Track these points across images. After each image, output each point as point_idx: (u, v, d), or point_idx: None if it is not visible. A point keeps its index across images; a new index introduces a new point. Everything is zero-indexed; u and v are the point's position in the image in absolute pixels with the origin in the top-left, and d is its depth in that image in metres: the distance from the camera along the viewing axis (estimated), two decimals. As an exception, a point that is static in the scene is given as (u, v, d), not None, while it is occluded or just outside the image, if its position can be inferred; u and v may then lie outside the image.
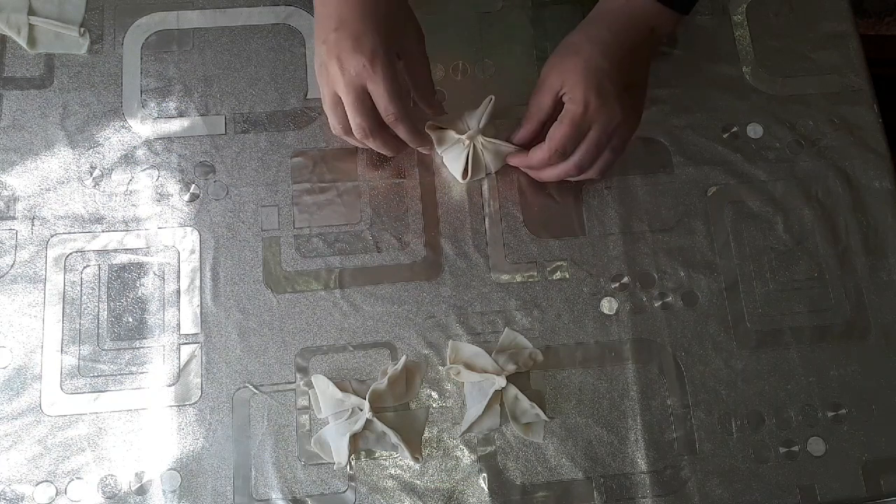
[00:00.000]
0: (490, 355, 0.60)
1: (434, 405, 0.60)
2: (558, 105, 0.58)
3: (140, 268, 0.62)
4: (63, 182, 0.64)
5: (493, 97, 0.62)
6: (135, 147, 0.65)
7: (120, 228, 0.63)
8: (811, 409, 0.61)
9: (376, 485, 0.58)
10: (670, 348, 0.62)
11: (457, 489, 0.58)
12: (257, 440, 0.59)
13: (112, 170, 0.64)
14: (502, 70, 0.68)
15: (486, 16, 0.70)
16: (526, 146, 0.61)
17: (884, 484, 0.59)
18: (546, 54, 0.68)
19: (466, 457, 0.59)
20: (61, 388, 0.59)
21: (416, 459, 0.58)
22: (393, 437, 0.57)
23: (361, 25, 0.55)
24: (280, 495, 0.58)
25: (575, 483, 0.59)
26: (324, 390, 0.59)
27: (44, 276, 0.61)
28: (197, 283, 0.62)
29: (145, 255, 0.62)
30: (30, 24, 0.66)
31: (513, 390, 0.59)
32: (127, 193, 0.64)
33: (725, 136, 0.67)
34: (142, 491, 0.57)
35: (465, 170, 0.63)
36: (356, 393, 0.59)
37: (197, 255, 0.62)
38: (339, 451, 0.57)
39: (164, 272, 0.62)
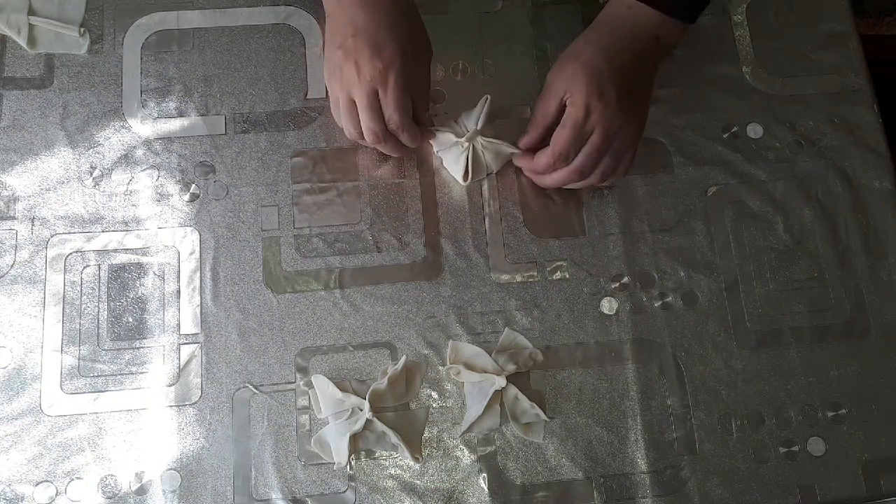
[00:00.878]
0: (490, 355, 0.60)
1: (434, 405, 0.60)
2: (562, 110, 0.58)
3: (140, 268, 0.62)
4: (63, 182, 0.64)
5: (488, 97, 0.62)
6: (135, 147, 0.65)
7: (120, 228, 0.63)
8: (811, 409, 0.61)
9: (376, 485, 0.58)
10: (670, 348, 0.62)
11: (457, 489, 0.58)
12: (257, 440, 0.59)
13: (112, 170, 0.64)
14: (502, 70, 0.68)
15: (486, 16, 0.70)
16: (531, 152, 0.61)
17: (884, 484, 0.60)
18: (546, 54, 0.68)
19: (466, 457, 0.59)
20: (61, 389, 0.59)
21: (416, 459, 0.58)
22: (393, 437, 0.57)
23: (381, 35, 0.56)
24: (280, 495, 0.58)
25: (575, 483, 0.59)
26: (324, 390, 0.59)
27: (43, 277, 0.61)
28: (197, 283, 0.62)
29: (145, 255, 0.62)
30: (30, 24, 0.66)
31: (513, 390, 0.59)
32: (127, 193, 0.64)
33: (725, 136, 0.67)
34: (142, 491, 0.57)
35: (466, 172, 0.63)
36: (356, 393, 0.59)
37: (197, 255, 0.62)
38: (339, 451, 0.57)
39: (163, 272, 0.62)
